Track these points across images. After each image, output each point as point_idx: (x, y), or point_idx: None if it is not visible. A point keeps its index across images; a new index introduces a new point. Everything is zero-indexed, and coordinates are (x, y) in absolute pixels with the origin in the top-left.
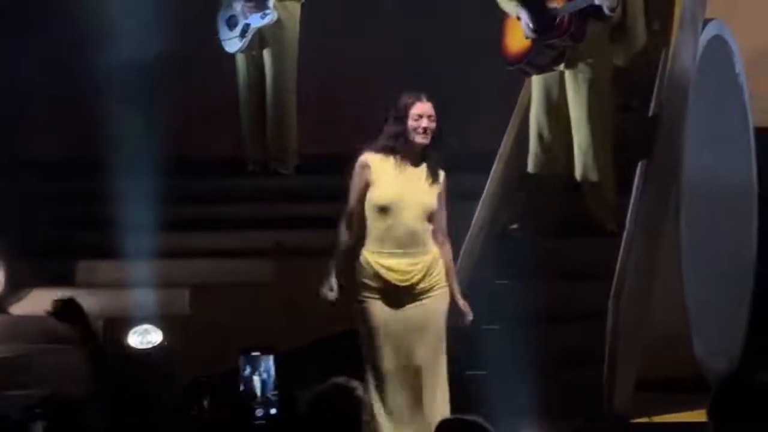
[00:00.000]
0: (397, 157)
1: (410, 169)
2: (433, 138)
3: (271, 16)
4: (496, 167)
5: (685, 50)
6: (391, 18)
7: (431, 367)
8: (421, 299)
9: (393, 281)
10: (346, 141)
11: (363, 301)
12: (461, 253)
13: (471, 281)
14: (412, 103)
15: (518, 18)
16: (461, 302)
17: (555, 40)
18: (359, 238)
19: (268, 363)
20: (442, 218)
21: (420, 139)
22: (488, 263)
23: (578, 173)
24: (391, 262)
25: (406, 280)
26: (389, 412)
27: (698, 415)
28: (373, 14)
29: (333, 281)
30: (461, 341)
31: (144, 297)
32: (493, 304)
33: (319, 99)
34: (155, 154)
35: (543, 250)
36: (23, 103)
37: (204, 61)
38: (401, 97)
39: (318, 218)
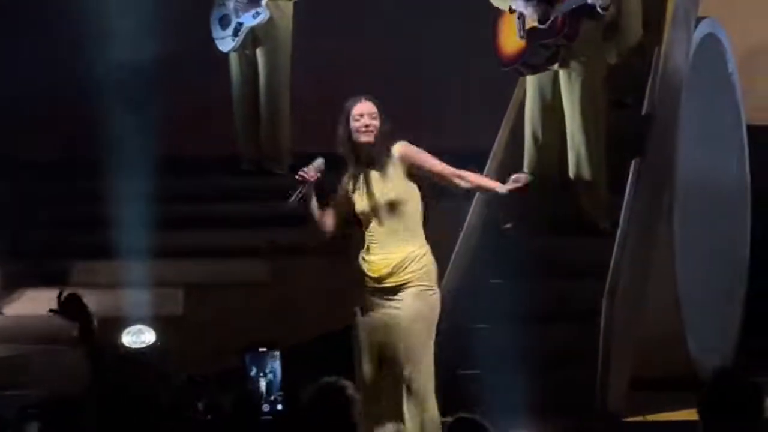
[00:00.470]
0: (360, 165)
1: (367, 172)
2: (382, 135)
3: (263, 15)
4: (490, 166)
5: (678, 48)
6: (387, 16)
7: (415, 367)
8: (392, 295)
9: (367, 272)
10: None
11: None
12: (454, 252)
13: (464, 280)
14: (352, 105)
15: (511, 11)
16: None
17: (549, 40)
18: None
19: (274, 363)
20: (435, 165)
21: (364, 138)
22: (482, 262)
23: (572, 172)
24: (370, 257)
25: (376, 271)
26: (371, 412)
27: (692, 414)
28: (369, 13)
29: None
30: (454, 340)
31: (137, 297)
32: (487, 303)
33: (313, 97)
34: (149, 154)
35: (537, 249)
36: (18, 102)
37: (198, 60)
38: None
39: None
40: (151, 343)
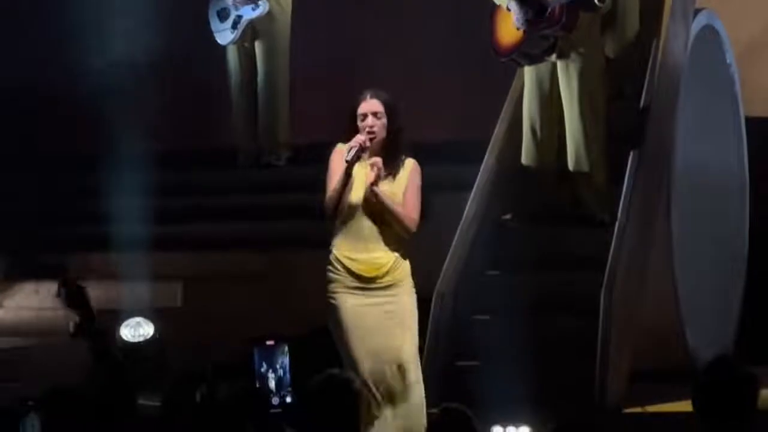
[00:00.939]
0: (365, 157)
1: (369, 168)
2: (389, 134)
3: (262, 8)
4: (488, 158)
5: (676, 40)
6: (386, 6)
7: (412, 360)
8: (388, 292)
9: (359, 272)
10: (339, 131)
11: (332, 296)
12: (453, 243)
13: (462, 272)
14: (358, 104)
15: (508, 9)
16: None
17: (547, 31)
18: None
19: (284, 359)
20: (410, 198)
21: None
22: (480, 254)
23: (570, 163)
24: (359, 256)
25: (370, 272)
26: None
27: (691, 405)
28: (367, 3)
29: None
30: (452, 332)
31: (136, 289)
32: (485, 294)
33: (311, 90)
34: (147, 147)
35: (535, 241)
36: (19, 98)
37: (195, 53)
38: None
39: (310, 209)
40: (149, 336)
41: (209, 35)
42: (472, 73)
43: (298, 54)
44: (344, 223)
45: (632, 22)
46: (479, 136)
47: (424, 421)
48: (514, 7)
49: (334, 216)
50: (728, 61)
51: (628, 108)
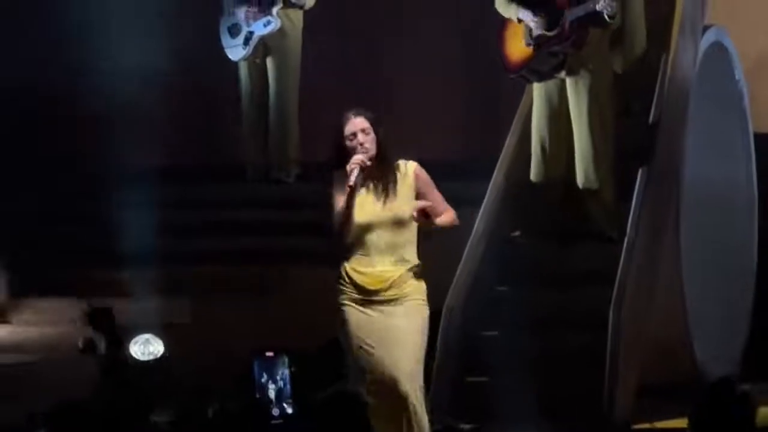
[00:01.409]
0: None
1: (380, 185)
2: (378, 148)
3: (274, 24)
4: (497, 174)
5: (685, 56)
6: (392, 24)
7: (408, 378)
8: (390, 307)
9: (363, 285)
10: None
11: (340, 308)
12: (462, 259)
13: (472, 287)
14: (343, 126)
15: (519, 21)
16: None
17: (556, 48)
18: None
19: (284, 370)
20: (436, 199)
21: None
22: (489, 270)
23: (579, 180)
24: (365, 269)
25: (374, 284)
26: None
27: None
28: (375, 21)
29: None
30: (461, 347)
31: (144, 306)
32: (494, 310)
33: (321, 107)
34: (155, 161)
35: (544, 257)
36: (25, 105)
37: (207, 69)
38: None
39: (318, 225)
40: (159, 354)
41: (219, 50)
42: (481, 89)
43: (308, 71)
44: (352, 240)
45: (640, 39)
46: (488, 153)
47: None
48: (528, 16)
49: (342, 236)
50: (737, 77)
51: (635, 125)
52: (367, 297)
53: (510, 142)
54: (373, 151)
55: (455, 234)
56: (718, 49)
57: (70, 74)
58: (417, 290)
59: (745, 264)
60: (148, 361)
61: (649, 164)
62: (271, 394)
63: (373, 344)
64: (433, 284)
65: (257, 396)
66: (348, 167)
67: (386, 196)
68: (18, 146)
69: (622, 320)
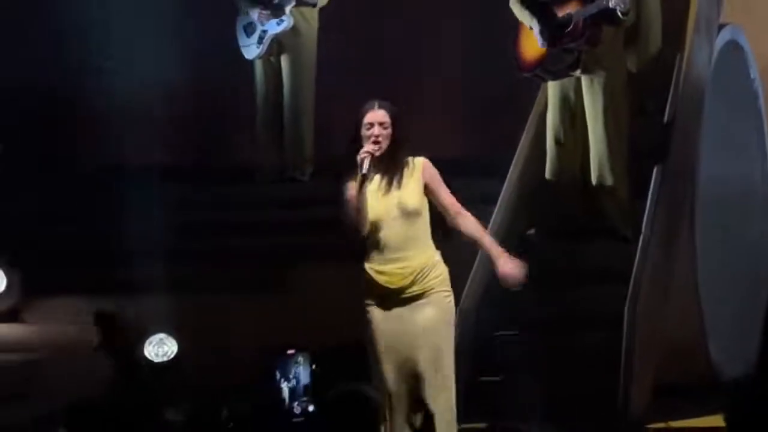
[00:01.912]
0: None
1: (379, 179)
2: (391, 144)
3: (287, 22)
4: (512, 172)
5: (700, 55)
6: (408, 22)
7: (431, 374)
8: (415, 304)
9: (386, 285)
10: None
11: (366, 310)
12: (477, 257)
13: (486, 287)
14: (364, 113)
15: (531, 28)
16: (504, 257)
17: (571, 45)
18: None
19: (303, 369)
20: (446, 197)
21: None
22: None
23: (594, 178)
24: (384, 267)
25: (396, 282)
26: (394, 419)
27: (715, 420)
28: (390, 19)
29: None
30: (476, 346)
31: (159, 305)
32: (509, 309)
33: (336, 105)
34: (168, 161)
35: (559, 255)
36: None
37: (222, 69)
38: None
39: (333, 223)
40: (173, 354)
41: (234, 51)
42: (496, 87)
43: (324, 69)
44: (370, 237)
45: (655, 37)
46: (503, 150)
47: None
48: (536, 28)
49: (358, 227)
50: (752, 75)
51: (652, 123)
52: (392, 297)
53: (525, 139)
54: (384, 147)
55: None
56: (734, 47)
57: (74, 73)
58: (441, 282)
59: (760, 263)
60: (162, 362)
61: (664, 163)
62: (289, 392)
63: (395, 345)
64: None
65: (277, 394)
66: (358, 157)
67: (393, 189)
68: (27, 145)
69: (637, 318)
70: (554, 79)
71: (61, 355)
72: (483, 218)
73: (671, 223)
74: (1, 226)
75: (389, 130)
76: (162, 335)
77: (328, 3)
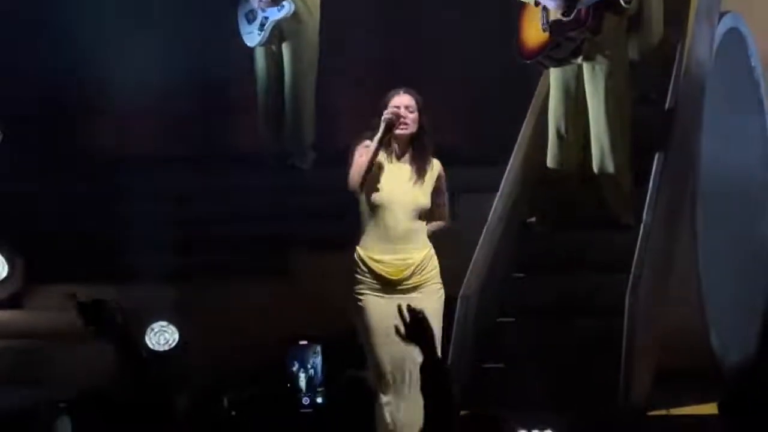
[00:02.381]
0: (389, 151)
1: (401, 166)
2: (418, 130)
3: (287, 8)
4: (514, 160)
5: (702, 43)
6: (409, 10)
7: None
8: (413, 294)
9: (385, 275)
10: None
11: (358, 297)
12: (478, 245)
13: (487, 274)
14: (390, 98)
15: (536, 3)
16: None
17: (572, 33)
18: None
19: (316, 359)
20: (441, 203)
21: (398, 130)
22: (505, 256)
23: (595, 166)
24: (384, 257)
25: (396, 274)
26: (387, 404)
27: (715, 408)
28: (392, 7)
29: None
30: (477, 334)
31: (162, 292)
32: (510, 296)
33: (337, 93)
34: (172, 149)
35: (560, 243)
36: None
37: (223, 56)
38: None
39: (334, 210)
40: (175, 343)
41: (234, 38)
42: (498, 75)
43: (326, 57)
44: (376, 222)
45: (657, 26)
46: (503, 138)
47: None
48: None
49: (357, 190)
50: (753, 64)
51: (653, 110)
52: (388, 287)
53: (526, 127)
54: (413, 129)
55: (471, 220)
56: (735, 35)
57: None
58: (436, 274)
59: (760, 251)
60: (164, 351)
61: (666, 151)
62: (303, 383)
63: (392, 335)
64: (449, 271)
65: (288, 385)
66: (384, 116)
67: (418, 182)
68: (28, 132)
69: (637, 307)
70: (557, 66)
71: (63, 343)
72: (483, 207)
73: (672, 211)
74: (2, 213)
75: (415, 114)
76: (164, 323)
77: None
